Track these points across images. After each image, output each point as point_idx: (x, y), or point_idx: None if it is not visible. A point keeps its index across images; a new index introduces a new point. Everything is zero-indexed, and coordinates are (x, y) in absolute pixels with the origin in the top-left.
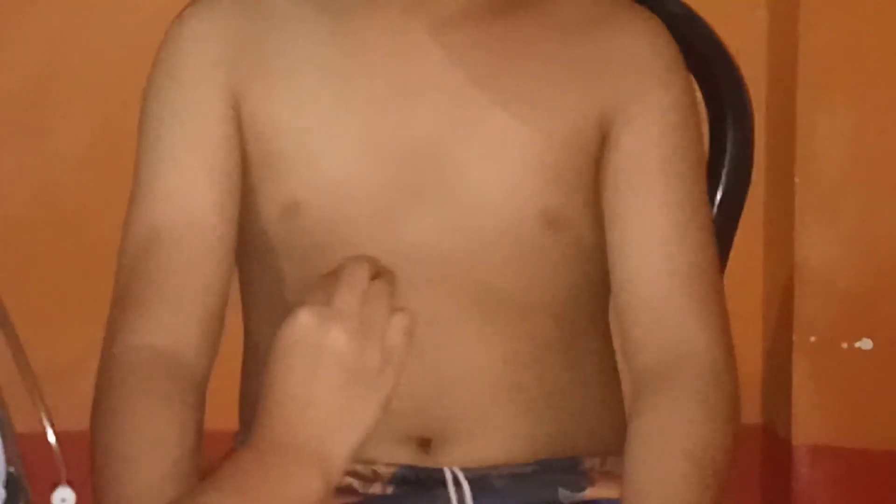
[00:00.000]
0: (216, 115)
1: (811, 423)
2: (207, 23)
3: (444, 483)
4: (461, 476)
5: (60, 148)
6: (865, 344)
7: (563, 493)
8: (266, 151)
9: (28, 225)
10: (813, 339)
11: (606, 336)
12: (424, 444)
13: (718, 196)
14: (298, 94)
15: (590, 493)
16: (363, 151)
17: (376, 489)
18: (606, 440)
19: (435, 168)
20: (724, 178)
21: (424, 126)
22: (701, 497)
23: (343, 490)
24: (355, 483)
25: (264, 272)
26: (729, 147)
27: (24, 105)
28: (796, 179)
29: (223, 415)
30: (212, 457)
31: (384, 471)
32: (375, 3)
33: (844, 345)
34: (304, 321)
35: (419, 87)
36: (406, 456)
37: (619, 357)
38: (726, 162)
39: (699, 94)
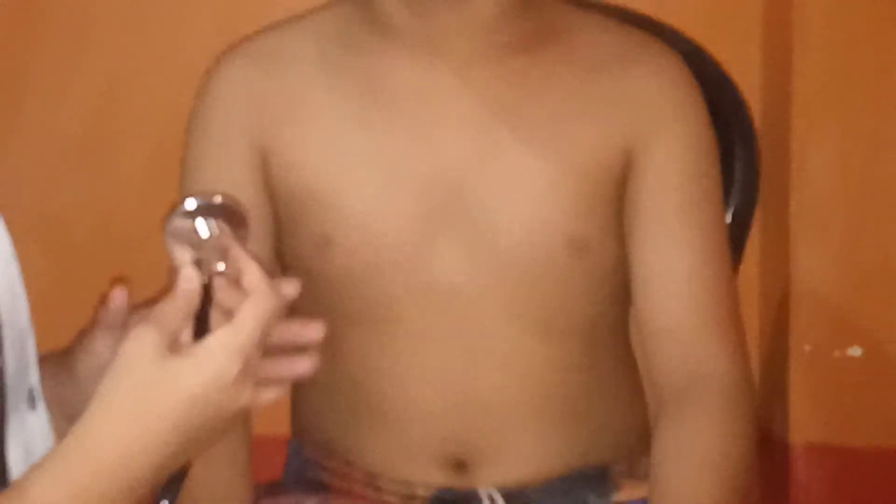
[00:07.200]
0: (243, 162)
1: (807, 424)
2: (234, 77)
3: (479, 501)
4: (496, 495)
5: (118, 178)
6: (855, 351)
7: (592, 499)
8: (297, 191)
9: (88, 249)
10: (808, 347)
11: (627, 347)
12: (460, 465)
13: (728, 216)
14: (324, 136)
15: (617, 497)
16: (389, 187)
17: None
18: (631, 445)
19: (460, 200)
20: (733, 199)
21: (448, 160)
22: None
23: None
24: (397, 503)
25: (309, 298)
26: (737, 173)
27: (85, 139)
28: (791, 202)
29: (276, 421)
30: (263, 462)
31: (423, 493)
32: (399, 42)
33: (836, 352)
34: (232, 371)
35: (443, 123)
36: (443, 477)
37: (641, 370)
38: (735, 185)
39: None
